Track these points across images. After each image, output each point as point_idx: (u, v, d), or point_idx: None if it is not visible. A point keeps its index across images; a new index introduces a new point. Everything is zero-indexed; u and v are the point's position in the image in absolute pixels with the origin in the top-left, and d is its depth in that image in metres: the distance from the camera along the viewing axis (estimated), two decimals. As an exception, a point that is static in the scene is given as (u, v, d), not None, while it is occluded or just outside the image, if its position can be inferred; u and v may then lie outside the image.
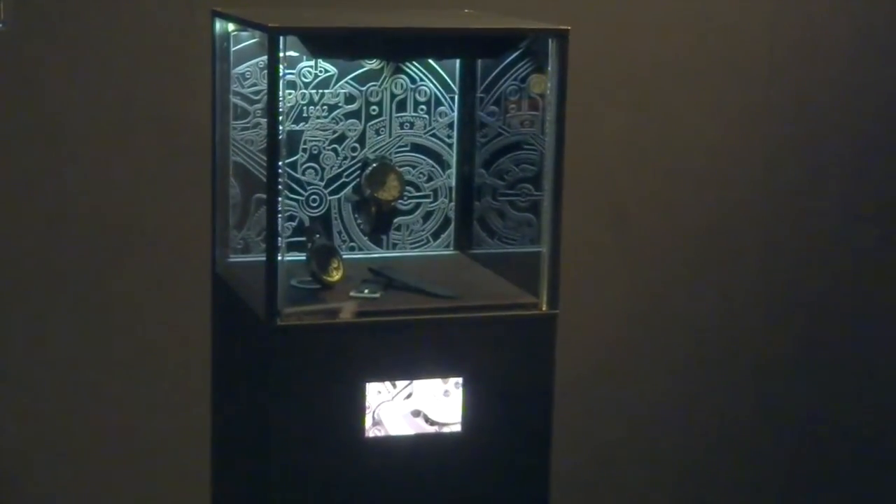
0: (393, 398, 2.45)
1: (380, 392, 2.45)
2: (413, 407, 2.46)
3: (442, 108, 2.77)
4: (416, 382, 2.46)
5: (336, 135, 2.72)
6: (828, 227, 3.71)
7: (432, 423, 2.47)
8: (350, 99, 2.72)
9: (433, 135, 2.78)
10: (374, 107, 2.74)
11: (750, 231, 3.66)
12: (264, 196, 2.47)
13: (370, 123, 2.74)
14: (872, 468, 3.84)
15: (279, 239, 2.42)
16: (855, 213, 3.72)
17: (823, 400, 3.78)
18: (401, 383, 2.46)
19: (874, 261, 3.76)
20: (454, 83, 2.77)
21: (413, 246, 2.80)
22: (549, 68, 2.49)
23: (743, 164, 3.63)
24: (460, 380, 2.48)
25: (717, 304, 3.67)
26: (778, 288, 3.71)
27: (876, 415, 3.82)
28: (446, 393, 2.47)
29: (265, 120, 2.47)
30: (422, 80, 2.75)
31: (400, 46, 2.62)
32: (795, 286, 3.72)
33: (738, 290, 3.68)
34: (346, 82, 2.71)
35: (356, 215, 2.74)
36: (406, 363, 2.48)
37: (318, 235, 2.62)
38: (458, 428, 2.49)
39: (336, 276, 2.58)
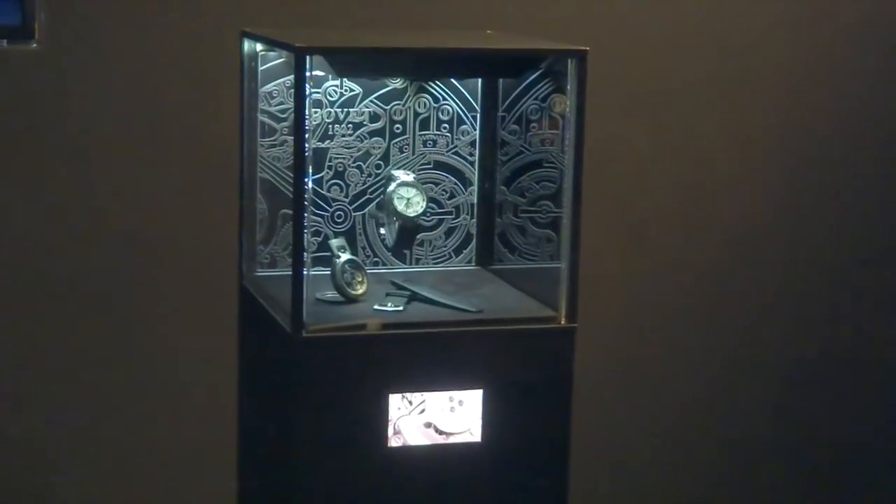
0: (410, 413, 2.49)
1: (399, 409, 2.49)
2: (425, 419, 2.50)
3: (464, 126, 2.79)
4: (429, 397, 2.49)
5: (360, 152, 2.75)
6: (850, 242, 3.71)
7: (441, 432, 2.51)
8: (374, 117, 2.74)
9: (455, 152, 2.80)
10: (397, 125, 2.76)
11: (770, 247, 3.66)
12: (290, 212, 2.49)
13: (394, 141, 2.76)
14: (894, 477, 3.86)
15: (305, 253, 2.44)
16: (879, 230, 3.73)
17: (846, 411, 3.77)
18: (416, 399, 2.49)
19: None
20: (476, 102, 2.78)
21: (435, 261, 2.82)
22: (569, 88, 2.51)
23: (763, 181, 3.63)
24: (466, 396, 2.50)
25: (738, 318, 3.66)
26: (799, 302, 3.70)
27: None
28: (452, 409, 2.51)
29: (292, 138, 2.49)
30: (444, 99, 2.77)
31: (423, 66, 2.66)
32: (817, 301, 3.71)
33: (759, 305, 3.67)
34: (371, 101, 2.73)
35: (380, 231, 2.76)
36: (428, 375, 2.50)
37: (343, 250, 2.63)
38: (475, 438, 2.51)
39: (360, 289, 2.61)
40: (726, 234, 3.63)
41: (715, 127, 3.58)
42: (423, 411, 2.50)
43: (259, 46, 2.69)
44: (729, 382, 3.69)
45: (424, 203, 2.70)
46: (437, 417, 2.50)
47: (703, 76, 3.55)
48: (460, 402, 2.51)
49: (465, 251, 2.84)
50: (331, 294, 2.61)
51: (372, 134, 2.76)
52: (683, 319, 3.63)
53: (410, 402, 2.49)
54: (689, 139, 3.57)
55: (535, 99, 2.71)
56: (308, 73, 2.40)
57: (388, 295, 2.63)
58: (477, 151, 2.81)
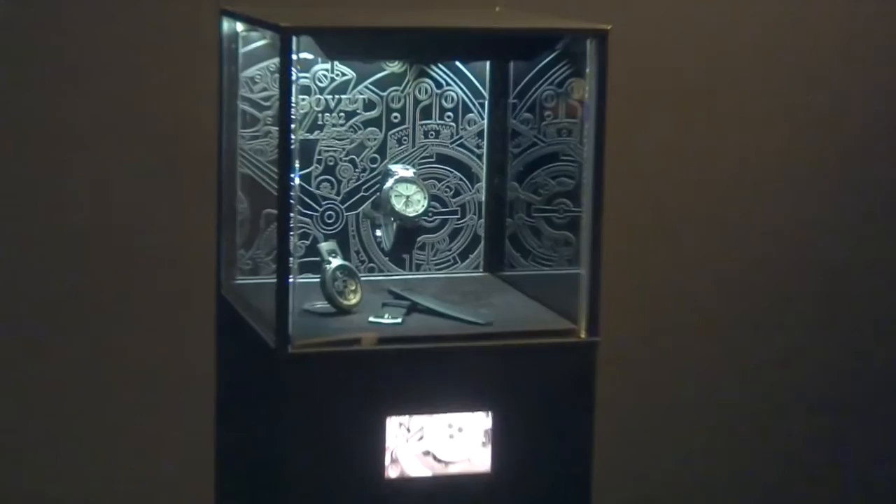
0: (408, 440, 2.48)
1: (396, 436, 2.47)
2: (424, 447, 2.49)
3: (471, 115, 2.78)
4: (427, 424, 2.47)
5: (354, 144, 2.73)
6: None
7: (439, 461, 2.49)
8: (369, 105, 2.73)
9: (461, 145, 2.78)
10: (395, 114, 2.74)
11: (813, 250, 3.65)
12: (275, 212, 2.46)
13: (391, 132, 2.74)
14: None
15: (291, 259, 2.42)
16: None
17: (888, 427, 3.76)
18: (415, 426, 2.47)
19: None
20: (484, 88, 2.77)
21: (438, 267, 2.80)
22: (588, 71, 2.50)
23: (806, 177, 3.62)
24: (470, 420, 2.49)
25: (776, 331, 3.64)
26: (845, 314, 3.69)
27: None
28: (451, 436, 2.50)
29: (276, 128, 2.47)
30: (448, 84, 2.76)
31: (424, 47, 2.64)
32: (863, 313, 3.70)
33: (800, 317, 3.67)
34: (365, 87, 2.72)
35: (376, 233, 2.74)
36: (430, 396, 2.47)
37: (334, 255, 2.61)
38: (482, 468, 2.50)
39: (353, 299, 2.59)
40: (763, 235, 3.61)
41: (751, 116, 3.56)
42: (421, 438, 2.48)
43: (240, 26, 2.67)
44: (769, 403, 3.67)
45: (426, 201, 2.67)
46: (435, 445, 2.49)
47: (739, 58, 3.53)
48: (460, 429, 2.50)
49: (471, 255, 2.83)
50: (320, 304, 2.58)
51: (366, 124, 2.74)
52: (718, 332, 3.61)
53: (409, 430, 2.48)
54: (723, 129, 3.55)
55: (551, 84, 2.69)
56: (295, 56, 2.39)
57: (384, 305, 2.61)
58: (485, 143, 2.80)
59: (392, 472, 2.47)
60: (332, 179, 2.73)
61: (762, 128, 3.58)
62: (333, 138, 2.72)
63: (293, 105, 2.40)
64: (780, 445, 3.69)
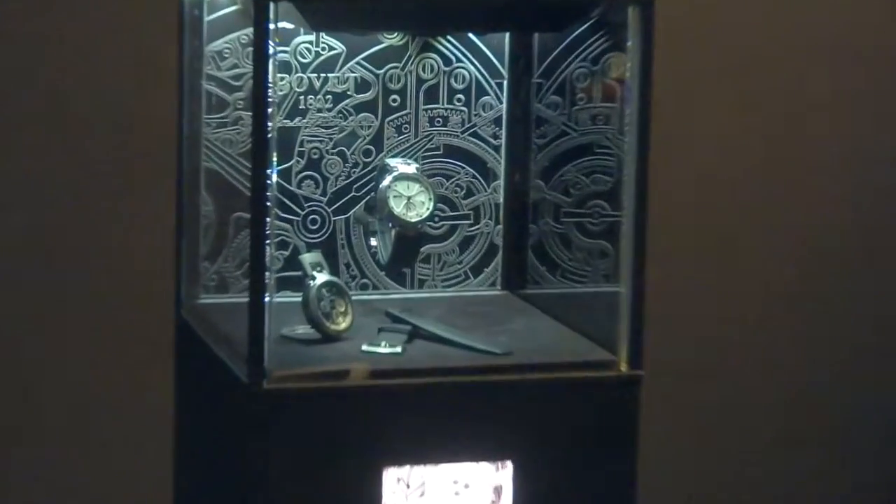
0: (407, 497, 2.43)
1: (393, 492, 2.41)
2: None
3: (486, 98, 2.74)
4: (429, 478, 2.43)
5: (343, 134, 2.69)
6: None
7: None
8: (362, 86, 2.69)
9: (474, 134, 2.75)
10: (394, 96, 2.71)
11: None
12: (247, 216, 2.42)
13: (389, 119, 2.71)
14: None
15: (267, 273, 2.36)
16: None
17: None
18: (415, 481, 2.42)
19: None
20: (502, 65, 2.74)
21: (446, 283, 2.78)
22: (629, 44, 2.46)
23: (892, 175, 3.56)
24: (472, 478, 2.44)
25: (851, 362, 3.60)
26: None
27: None
28: (457, 493, 2.46)
29: (249, 114, 2.44)
30: (459, 60, 2.73)
31: (430, 16, 2.58)
32: None
33: (883, 344, 3.61)
34: (358, 63, 2.68)
35: (370, 242, 2.70)
36: (437, 441, 2.42)
37: (319, 268, 2.55)
38: None
39: (342, 323, 2.53)
40: (841, 246, 3.58)
41: (826, 100, 3.52)
42: (422, 494, 2.44)
43: (206, -11, 2.61)
44: (842, 447, 3.64)
45: (431, 204, 2.61)
46: (439, 503, 2.45)
47: (812, 31, 3.50)
48: (466, 486, 2.45)
49: (486, 270, 2.80)
50: (302, 329, 2.54)
51: (359, 108, 2.70)
52: (782, 361, 3.56)
53: (408, 485, 2.43)
54: (791, 117, 3.50)
55: (584, 60, 2.67)
56: (272, 26, 2.34)
57: (381, 331, 2.55)
58: (503, 133, 2.77)
59: (389, 537, 2.38)
60: (317, 176, 2.69)
61: (843, 115, 3.55)
62: (318, 126, 2.68)
63: (270, 85, 2.34)
64: (849, 479, 3.65)
